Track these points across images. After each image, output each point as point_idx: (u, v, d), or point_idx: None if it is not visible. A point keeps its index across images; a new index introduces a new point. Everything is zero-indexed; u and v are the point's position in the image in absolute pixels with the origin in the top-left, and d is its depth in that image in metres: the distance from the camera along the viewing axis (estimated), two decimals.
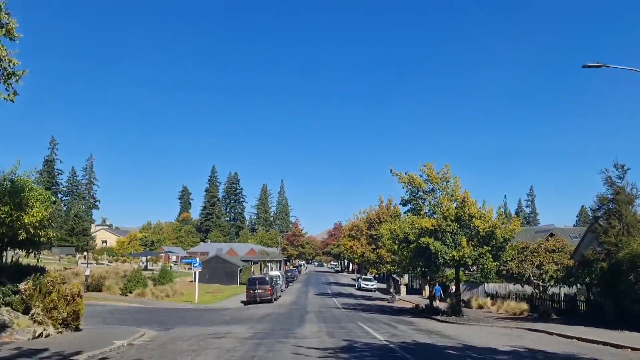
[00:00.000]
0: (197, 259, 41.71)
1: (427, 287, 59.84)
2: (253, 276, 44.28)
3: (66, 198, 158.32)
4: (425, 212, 30.45)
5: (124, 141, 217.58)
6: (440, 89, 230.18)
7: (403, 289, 59.08)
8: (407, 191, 30.60)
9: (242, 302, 41.81)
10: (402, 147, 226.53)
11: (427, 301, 46.85)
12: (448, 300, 47.30)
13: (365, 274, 69.94)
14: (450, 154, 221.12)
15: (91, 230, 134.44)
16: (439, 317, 28.70)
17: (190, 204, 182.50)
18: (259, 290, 40.81)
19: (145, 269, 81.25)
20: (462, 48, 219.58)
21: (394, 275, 50.75)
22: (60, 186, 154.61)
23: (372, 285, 63.58)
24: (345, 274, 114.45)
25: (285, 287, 63.05)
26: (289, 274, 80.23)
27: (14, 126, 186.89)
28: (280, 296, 48.13)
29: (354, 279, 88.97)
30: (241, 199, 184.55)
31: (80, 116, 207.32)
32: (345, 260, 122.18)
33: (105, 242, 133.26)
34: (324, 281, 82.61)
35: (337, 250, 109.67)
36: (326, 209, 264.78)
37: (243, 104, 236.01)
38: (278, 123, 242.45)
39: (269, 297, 40.96)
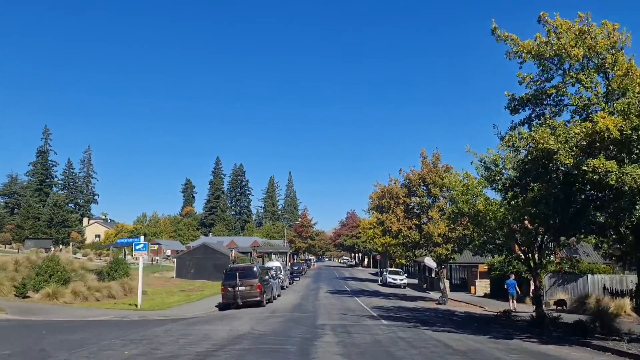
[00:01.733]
0: (141, 239, 25.22)
1: (476, 282, 43.45)
2: (233, 266, 27.75)
3: (62, 192, 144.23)
4: (565, 121, 13.80)
5: (124, 133, 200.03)
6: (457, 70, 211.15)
7: (446, 284, 42.46)
8: (522, 81, 13.90)
9: (218, 305, 25.58)
10: (421, 136, 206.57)
11: (489, 301, 30.26)
12: (528, 300, 30.72)
13: (391, 266, 53.42)
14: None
15: (83, 224, 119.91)
16: (625, 349, 12.02)
17: (194, 197, 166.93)
18: (242, 288, 24.40)
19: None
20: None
21: (440, 266, 34.10)
22: (55, 179, 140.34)
23: (402, 280, 47.05)
24: (360, 268, 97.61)
25: (290, 283, 46.89)
26: (296, 268, 63.98)
27: (6, 115, 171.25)
28: (278, 295, 31.76)
29: (373, 274, 72.38)
30: (247, 192, 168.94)
31: (77, 106, 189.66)
32: (359, 254, 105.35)
33: (99, 236, 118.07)
34: (338, 276, 66.04)
35: (351, 241, 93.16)
36: (337, 204, 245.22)
37: (247, 92, 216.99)
38: (285, 111, 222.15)
39: (257, 298, 24.55)
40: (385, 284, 47.95)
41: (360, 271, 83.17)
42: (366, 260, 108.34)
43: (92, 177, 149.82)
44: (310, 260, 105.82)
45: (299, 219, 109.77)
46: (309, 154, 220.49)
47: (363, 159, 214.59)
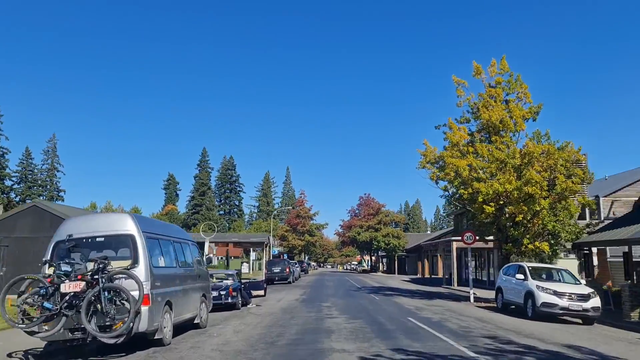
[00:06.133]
0: None
1: None
2: None
3: (18, 186, 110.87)
4: None
5: (96, 120, 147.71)
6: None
7: None
8: None
9: None
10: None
11: None
12: None
13: (506, 259, 19.57)
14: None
15: None
16: None
17: (177, 195, 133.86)
18: None
19: None
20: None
21: None
22: (7, 170, 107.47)
23: (586, 298, 13.32)
24: (379, 273, 63.28)
25: (241, 305, 13.41)
26: (276, 270, 30.82)
27: None
28: None
29: (410, 281, 38.42)
30: (238, 189, 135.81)
31: (40, 88, 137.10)
32: (375, 255, 71.41)
33: None
34: (359, 286, 31.86)
35: (367, 235, 59.65)
36: (342, 203, 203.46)
37: (240, 74, 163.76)
38: (283, 96, 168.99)
39: None
40: (533, 307, 14.23)
41: (385, 278, 49.02)
42: (381, 265, 74.72)
43: (57, 171, 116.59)
44: (309, 264, 71.89)
45: (295, 207, 75.25)
46: (311, 146, 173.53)
47: (373, 157, 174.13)
